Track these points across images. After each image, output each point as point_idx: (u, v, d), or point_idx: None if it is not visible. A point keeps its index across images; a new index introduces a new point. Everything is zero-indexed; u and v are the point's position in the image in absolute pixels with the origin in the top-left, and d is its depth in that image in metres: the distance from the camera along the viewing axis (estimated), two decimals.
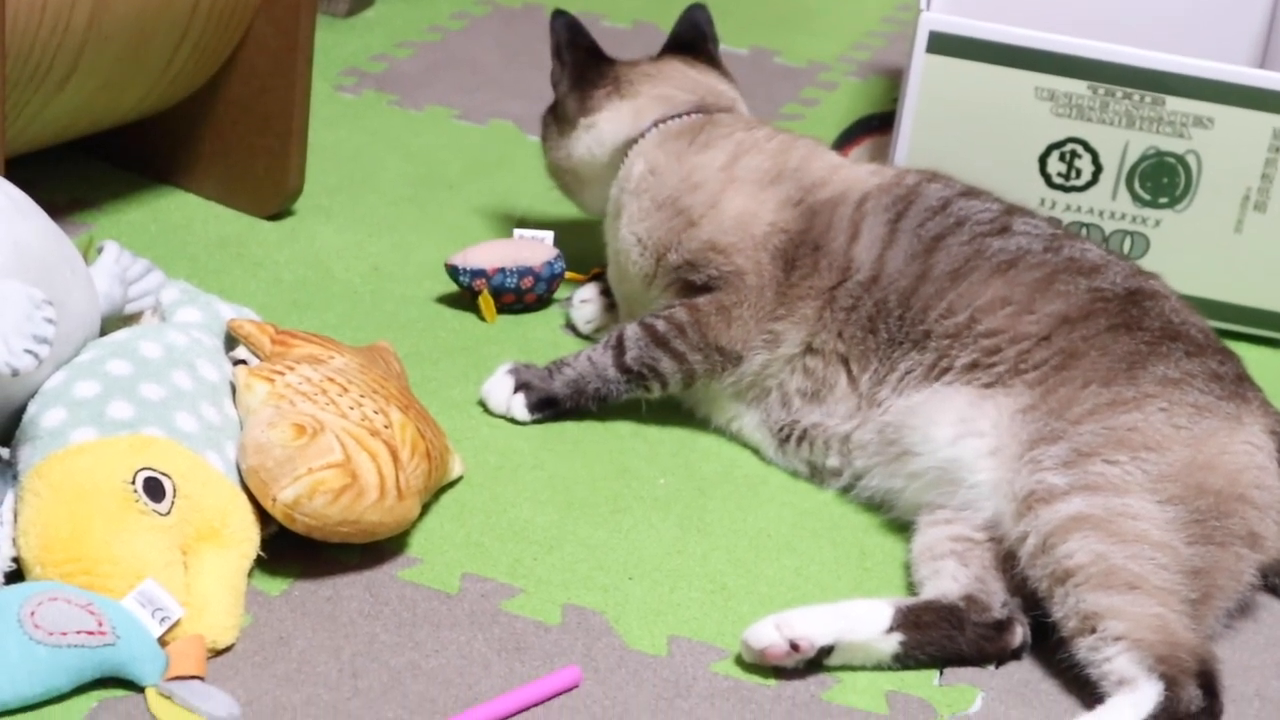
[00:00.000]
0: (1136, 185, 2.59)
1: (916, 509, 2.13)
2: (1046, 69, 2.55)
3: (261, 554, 1.95)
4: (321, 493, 1.92)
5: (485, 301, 2.47)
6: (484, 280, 2.47)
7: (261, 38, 2.56)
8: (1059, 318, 2.12)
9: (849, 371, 2.22)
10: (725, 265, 2.26)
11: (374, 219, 2.70)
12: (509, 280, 2.47)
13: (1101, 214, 2.62)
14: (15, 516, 1.88)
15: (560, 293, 2.54)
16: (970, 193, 2.29)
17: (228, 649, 1.87)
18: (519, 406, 2.28)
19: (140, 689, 1.80)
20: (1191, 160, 2.57)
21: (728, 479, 2.24)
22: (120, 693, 1.80)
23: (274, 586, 1.97)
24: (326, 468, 1.93)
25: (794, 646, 1.92)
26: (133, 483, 1.87)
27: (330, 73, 3.11)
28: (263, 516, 1.95)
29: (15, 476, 1.92)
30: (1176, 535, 1.95)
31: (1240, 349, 2.22)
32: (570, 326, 2.50)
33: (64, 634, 1.76)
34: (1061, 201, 2.62)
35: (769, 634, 1.92)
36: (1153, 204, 2.60)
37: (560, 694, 1.88)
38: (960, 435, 2.08)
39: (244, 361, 2.09)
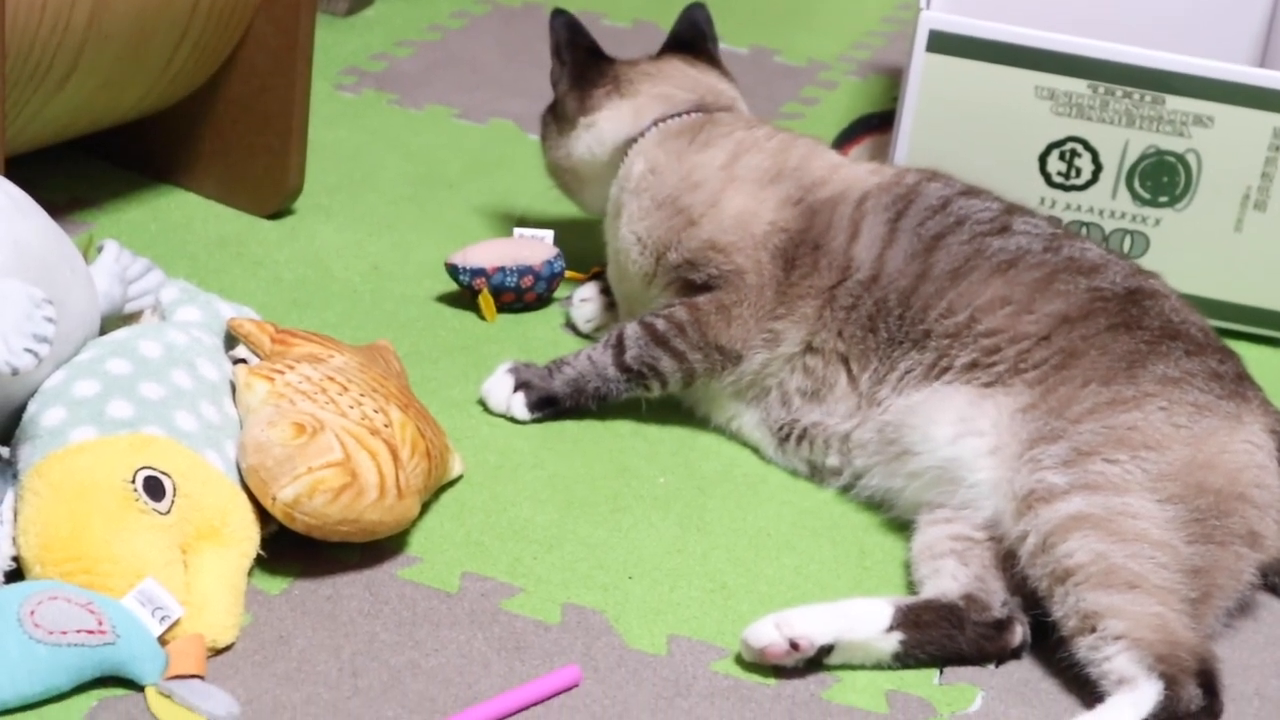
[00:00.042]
0: (1136, 184, 2.59)
1: (916, 508, 2.13)
2: (1046, 68, 2.55)
3: (261, 553, 1.95)
4: (321, 492, 1.92)
5: (485, 300, 2.47)
6: (484, 279, 2.47)
7: (261, 37, 2.56)
8: (1059, 317, 2.12)
9: (849, 371, 2.22)
10: (725, 264, 2.26)
11: (374, 218, 2.70)
12: (509, 279, 2.47)
13: (1101, 213, 2.62)
14: (15, 515, 1.88)
15: (560, 292, 2.54)
16: (970, 192, 2.29)
17: (228, 648, 1.87)
18: (519, 405, 2.28)
19: (140, 688, 1.80)
20: (1191, 159, 2.57)
21: (727, 478, 2.24)
22: (120, 692, 1.80)
23: (274, 585, 1.97)
24: (326, 467, 1.93)
25: (794, 645, 1.92)
26: (133, 482, 1.87)
27: (330, 72, 3.11)
28: (263, 515, 1.95)
29: (15, 475, 1.92)
30: (1176, 534, 1.95)
31: (1240, 348, 2.22)
32: (570, 325, 2.50)
33: (64, 633, 1.76)
34: (1061, 200, 2.62)
35: (769, 633, 1.92)
36: (1153, 203, 2.60)
37: (560, 693, 1.88)
38: (960, 434, 2.08)
39: (244, 360, 2.09)
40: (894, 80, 3.26)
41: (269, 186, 2.63)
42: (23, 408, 1.95)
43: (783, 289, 2.25)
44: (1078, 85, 2.55)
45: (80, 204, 2.62)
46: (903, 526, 2.16)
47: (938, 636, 1.97)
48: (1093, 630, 1.90)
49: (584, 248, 2.57)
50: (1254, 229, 2.59)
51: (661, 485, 2.21)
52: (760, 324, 2.25)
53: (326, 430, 1.95)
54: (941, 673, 1.98)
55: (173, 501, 1.88)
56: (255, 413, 1.99)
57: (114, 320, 2.13)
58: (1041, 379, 2.08)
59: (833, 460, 2.22)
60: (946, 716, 1.92)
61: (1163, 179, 2.59)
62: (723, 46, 2.62)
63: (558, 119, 2.52)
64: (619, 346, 2.27)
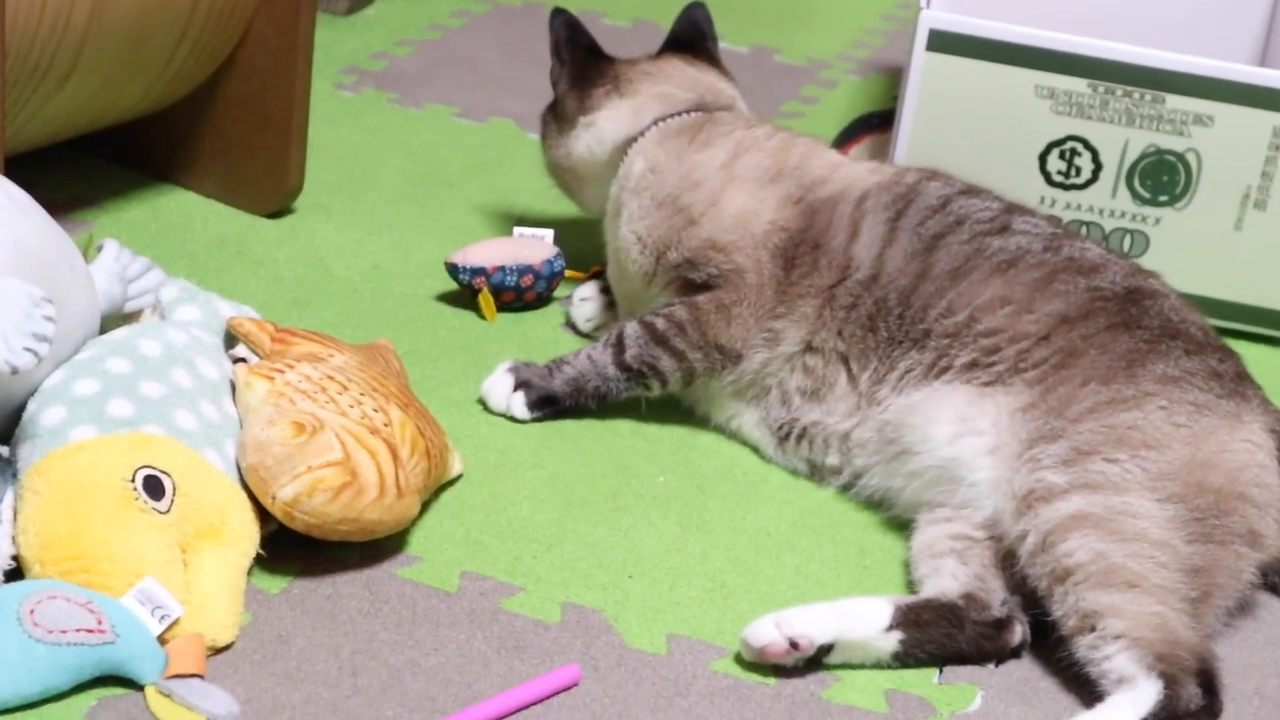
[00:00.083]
0: (1136, 183, 2.59)
1: (916, 507, 2.13)
2: (1046, 67, 2.55)
3: (261, 552, 1.95)
4: (321, 491, 1.92)
5: (485, 299, 2.47)
6: (484, 278, 2.47)
7: (261, 36, 2.56)
8: (1058, 317, 2.12)
9: (849, 370, 2.22)
10: (725, 263, 2.26)
11: (374, 217, 2.70)
12: (509, 278, 2.47)
13: (1101, 212, 2.62)
14: (15, 514, 1.88)
15: (560, 291, 2.54)
16: (970, 191, 2.29)
17: (227, 647, 1.87)
18: (518, 404, 2.28)
19: (140, 687, 1.80)
20: (1191, 158, 2.57)
21: (727, 477, 2.24)
22: (120, 691, 1.80)
23: (273, 585, 1.97)
24: (326, 466, 1.93)
25: (793, 645, 1.92)
26: (132, 481, 1.87)
27: (330, 71, 3.11)
28: (262, 514, 1.95)
29: (15, 474, 1.92)
30: (1176, 533, 1.95)
31: (1240, 347, 2.22)
32: (570, 325, 2.50)
33: (63, 632, 1.76)
34: (1061, 199, 2.62)
35: (768, 632, 1.92)
36: (1153, 202, 2.60)
37: (559, 692, 1.88)
38: (959, 434, 2.08)
39: (244, 359, 2.09)
40: (894, 79, 3.25)
41: (269, 185, 2.63)
42: (22, 407, 1.95)
43: (783, 288, 2.25)
44: (1078, 84, 2.55)
45: (80, 203, 2.62)
46: (902, 525, 2.16)
47: (937, 636, 1.97)
48: (1092, 629, 1.90)
49: (584, 247, 2.57)
50: (1254, 228, 2.59)
51: (661, 484, 2.21)
52: (760, 323, 2.25)
53: (326, 429, 1.95)
54: (941, 672, 1.98)
55: (172, 500, 1.88)
56: (255, 412, 1.99)
57: (114, 319, 2.13)
58: (1041, 378, 2.08)
59: (832, 459, 2.22)
60: (946, 716, 1.92)
61: (1163, 178, 2.59)
62: (723, 45, 2.62)
63: (557, 118, 2.52)
64: (619, 346, 2.27)
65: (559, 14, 2.53)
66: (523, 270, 2.48)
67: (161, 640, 1.81)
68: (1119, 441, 2.00)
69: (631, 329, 2.27)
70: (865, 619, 1.95)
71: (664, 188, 2.33)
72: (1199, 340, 2.12)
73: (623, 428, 2.30)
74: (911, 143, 2.60)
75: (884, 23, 3.58)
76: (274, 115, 2.58)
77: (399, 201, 2.75)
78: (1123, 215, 2.61)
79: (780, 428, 2.26)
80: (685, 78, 2.48)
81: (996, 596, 2.00)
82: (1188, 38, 2.98)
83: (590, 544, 2.10)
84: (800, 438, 2.25)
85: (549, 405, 2.29)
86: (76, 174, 2.68)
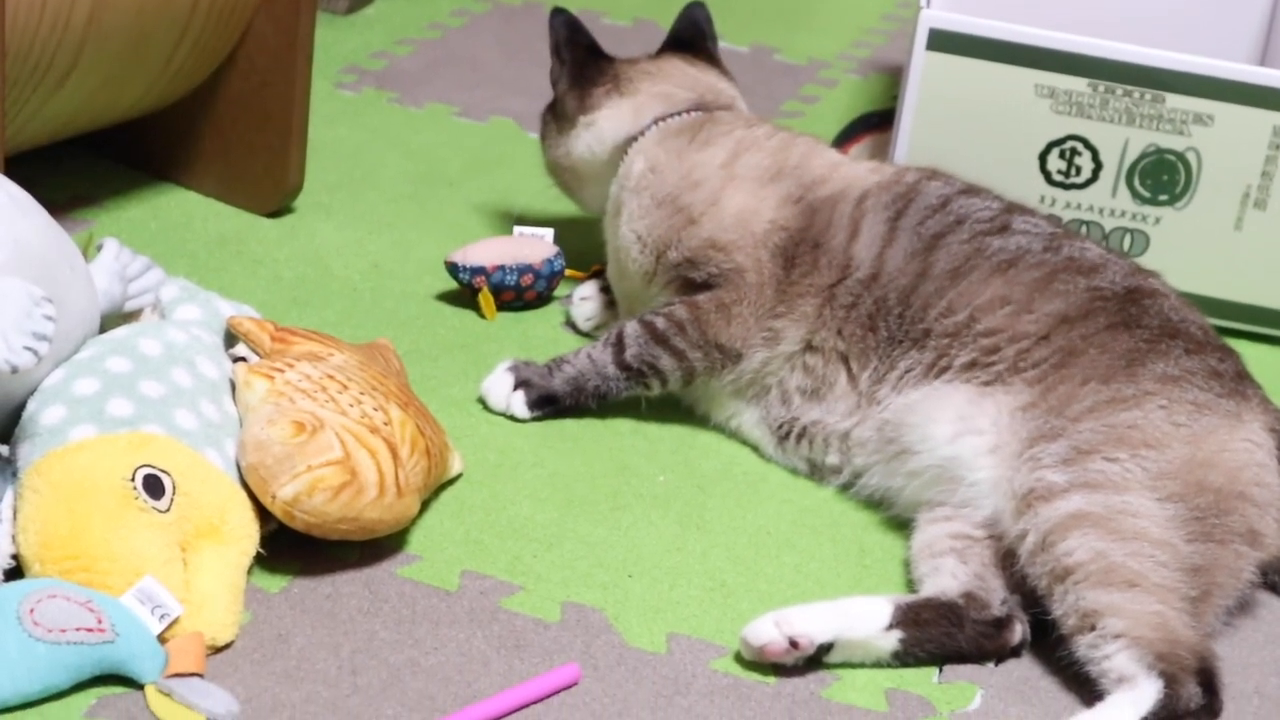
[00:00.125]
0: (1136, 183, 2.59)
1: (916, 506, 2.13)
2: (1046, 66, 2.55)
3: (261, 551, 1.95)
4: (321, 490, 1.92)
5: (485, 299, 2.47)
6: (484, 277, 2.47)
7: (261, 35, 2.56)
8: (1058, 317, 2.12)
9: (849, 369, 2.22)
10: (725, 263, 2.26)
11: (374, 216, 2.70)
12: (509, 278, 2.47)
13: (1101, 211, 2.62)
14: (14, 514, 1.88)
15: (560, 290, 2.54)
16: (970, 190, 2.29)
17: (227, 646, 1.87)
18: (518, 404, 2.28)
19: (139, 686, 1.80)
20: (1191, 158, 2.57)
21: (727, 476, 2.24)
22: (119, 690, 1.80)
23: (273, 584, 1.97)
24: (326, 465, 1.93)
25: (793, 644, 1.92)
26: (132, 480, 1.87)
27: (330, 70, 3.11)
28: (262, 514, 1.95)
29: (14, 474, 1.92)
30: (1176, 533, 1.95)
31: (1240, 346, 2.22)
32: (570, 324, 2.50)
33: (63, 631, 1.76)
34: (1061, 199, 2.62)
35: (768, 631, 1.92)
36: (1153, 201, 2.60)
37: (559, 691, 1.88)
38: (959, 433, 2.08)
39: (244, 359, 2.09)
40: (894, 78, 3.25)
41: (269, 184, 2.63)
42: (22, 406, 1.95)
43: (783, 287, 2.25)
44: (1078, 84, 2.55)
45: (80, 202, 2.62)
46: (902, 525, 2.16)
47: (937, 635, 1.97)
48: (1092, 628, 1.90)
49: (584, 246, 2.57)
50: (1254, 227, 2.59)
51: (661, 483, 2.21)
52: (760, 322, 2.25)
53: (326, 428, 1.95)
54: (941, 671, 1.98)
55: (172, 500, 1.88)
56: (255, 411, 1.99)
57: (114, 318, 2.13)
58: (1041, 377, 2.08)
59: (832, 458, 2.22)
60: (946, 715, 1.92)
61: (1163, 177, 2.58)
62: (723, 45, 2.62)
63: (557, 118, 2.52)
64: (619, 345, 2.27)
65: (559, 13, 2.53)
66: (523, 269, 2.48)
67: (161, 639, 1.81)
68: (1119, 440, 2.00)
69: (631, 328, 2.27)
70: (865, 618, 1.95)
71: (664, 187, 2.33)
72: (1199, 339, 2.12)
73: (623, 427, 2.30)
74: (911, 142, 2.60)
75: (884, 22, 3.58)
76: (274, 114, 2.58)
77: (399, 201, 2.75)
78: (1123, 215, 2.61)
79: (780, 427, 2.26)
80: (685, 77, 2.48)
81: (996, 595, 2.00)
82: (1188, 37, 2.98)
83: (590, 543, 2.10)
84: (800, 437, 2.25)
85: (549, 404, 2.29)
86: (77, 173, 2.68)
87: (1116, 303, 2.13)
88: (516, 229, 2.57)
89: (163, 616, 1.81)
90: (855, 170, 2.34)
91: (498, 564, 2.04)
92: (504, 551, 2.06)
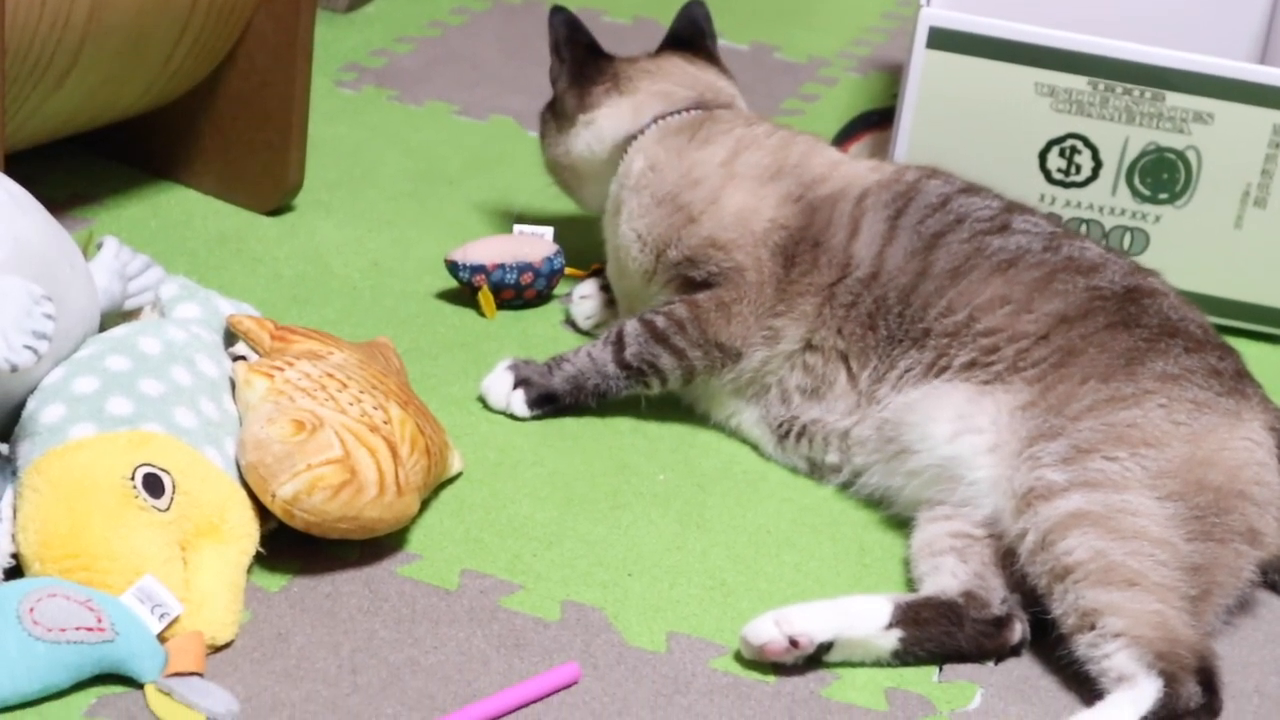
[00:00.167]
0: (1136, 181, 2.59)
1: (916, 505, 2.13)
2: (1046, 64, 2.55)
3: (261, 550, 1.95)
4: (320, 489, 1.92)
5: (485, 297, 2.47)
6: (484, 276, 2.47)
7: (261, 33, 2.56)
8: (1057, 316, 2.12)
9: (849, 368, 2.22)
10: (725, 261, 2.26)
11: (374, 214, 2.70)
12: (509, 276, 2.47)
13: (1101, 210, 2.62)
14: (14, 512, 1.88)
15: (560, 289, 2.54)
16: (970, 189, 2.29)
17: (227, 645, 1.87)
18: (518, 402, 2.28)
19: (139, 685, 1.80)
20: (1191, 156, 2.57)
21: (727, 475, 2.24)
22: (119, 689, 1.80)
23: (273, 583, 1.97)
24: (326, 464, 1.93)
25: (793, 643, 1.92)
26: (132, 479, 1.87)
27: (330, 68, 3.10)
28: (262, 512, 1.95)
29: (14, 472, 1.92)
30: (1176, 532, 1.95)
31: (1240, 345, 2.22)
32: (570, 322, 2.50)
33: (63, 630, 1.76)
34: (1061, 197, 2.62)
35: (768, 630, 1.92)
36: (1152, 200, 2.60)
37: (559, 690, 1.88)
38: (959, 432, 2.08)
39: (243, 357, 2.10)
40: (894, 77, 3.25)
41: (269, 183, 2.63)
42: (22, 404, 1.95)
43: (783, 286, 2.25)
44: (1078, 82, 2.55)
45: (80, 200, 2.62)
46: (902, 524, 2.16)
47: (937, 634, 1.97)
48: (1092, 628, 1.90)
49: (584, 245, 2.57)
50: (1254, 226, 2.59)
51: (661, 482, 2.21)
52: (760, 321, 2.25)
53: (326, 427, 1.95)
54: (941, 670, 1.98)
55: (172, 499, 1.88)
56: (255, 409, 1.99)
57: (113, 317, 2.13)
58: (1040, 376, 2.08)
59: (832, 457, 2.22)
60: (946, 714, 1.92)
61: (1163, 176, 2.58)
62: (723, 43, 2.62)
63: (557, 116, 2.52)
64: (619, 344, 2.27)
65: (559, 12, 2.53)
66: (522, 268, 2.48)
67: (161, 638, 1.81)
68: (1118, 439, 2.00)
69: (631, 327, 2.27)
70: (865, 617, 1.95)
71: (664, 185, 2.33)
72: (1198, 338, 2.12)
73: (622, 425, 2.30)
74: (911, 140, 2.60)
75: (884, 20, 3.58)
76: (274, 112, 2.58)
77: (399, 199, 2.75)
78: (1123, 213, 2.61)
79: (780, 425, 2.26)
80: (685, 75, 2.48)
81: (996, 594, 2.00)
82: (1188, 35, 2.98)
83: (590, 542, 2.10)
84: (800, 435, 2.25)
85: (549, 403, 2.28)
86: (76, 171, 2.68)
87: (1116, 302, 2.13)
88: (516, 227, 2.57)
89: (162, 615, 1.81)
90: (855, 169, 2.34)
91: (497, 563, 2.04)
92: (504, 550, 2.06)
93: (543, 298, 2.53)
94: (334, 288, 2.51)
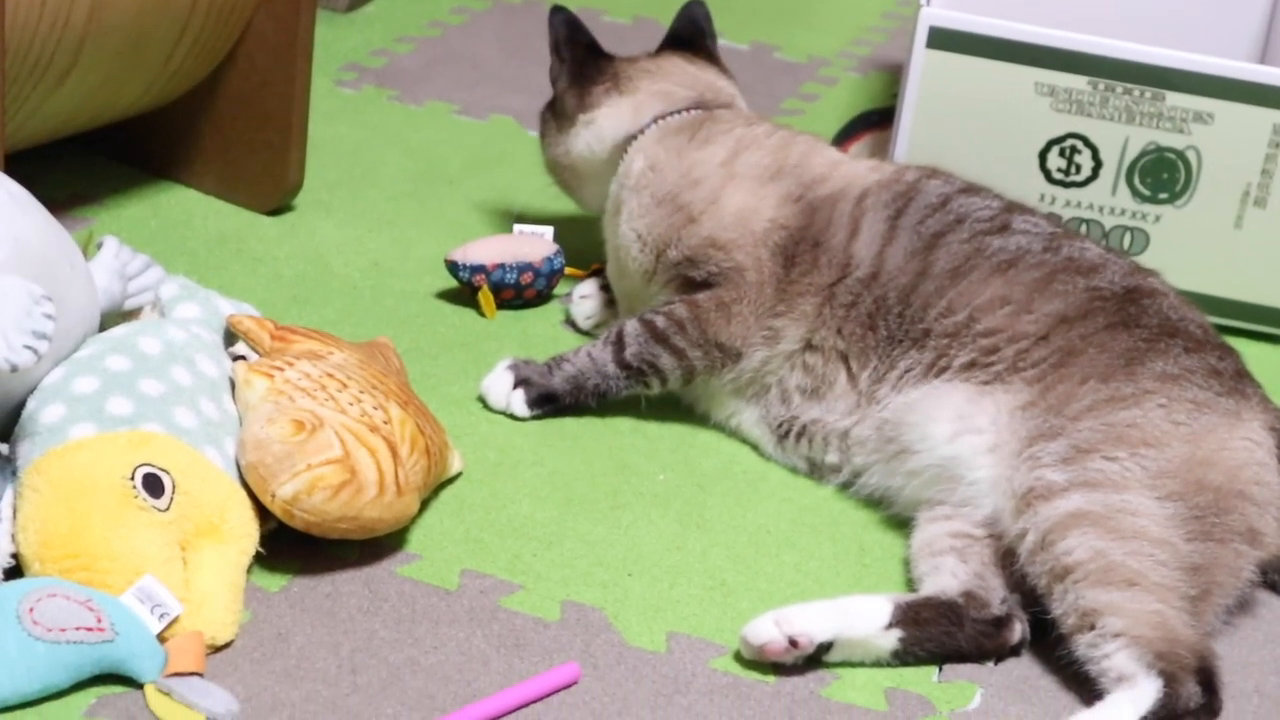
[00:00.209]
0: (1136, 181, 2.59)
1: (916, 505, 2.13)
2: (1046, 64, 2.55)
3: (260, 550, 1.95)
4: (320, 489, 1.92)
5: (485, 297, 2.47)
6: (484, 276, 2.47)
7: (261, 33, 2.56)
8: (1057, 317, 2.12)
9: (848, 369, 2.22)
10: (725, 261, 2.26)
11: (374, 214, 2.70)
12: (509, 276, 2.47)
13: (1101, 210, 2.62)
14: (14, 512, 1.88)
15: (560, 288, 2.54)
16: (970, 189, 2.29)
17: (227, 645, 1.87)
18: (518, 402, 2.28)
19: (139, 685, 1.80)
20: (1191, 156, 2.57)
21: (727, 475, 2.24)
22: (119, 689, 1.80)
23: (273, 583, 1.97)
24: (325, 464, 1.93)
25: (793, 643, 1.92)
26: (132, 479, 1.87)
27: (330, 68, 3.10)
28: (262, 512, 1.95)
29: (14, 472, 1.92)
30: (1176, 531, 1.95)
31: (1240, 345, 2.22)
32: (570, 322, 2.50)
33: (63, 630, 1.76)
34: (1061, 197, 2.61)
35: (768, 630, 1.92)
36: (1152, 200, 2.60)
37: (559, 690, 1.88)
38: (959, 432, 2.08)
39: (243, 357, 2.10)
40: (894, 76, 3.25)
41: (269, 182, 2.63)
42: (22, 404, 1.95)
43: (783, 286, 2.25)
44: (1078, 82, 2.55)
45: (80, 200, 2.62)
46: (902, 524, 2.16)
47: (937, 634, 1.97)
48: (1092, 628, 1.90)
49: (583, 244, 2.57)
50: (1254, 226, 2.59)
51: (661, 482, 2.21)
52: (760, 321, 2.25)
53: (326, 427, 1.95)
54: (941, 670, 1.98)
55: (172, 499, 1.88)
56: (254, 409, 1.99)
57: (113, 317, 2.13)
58: (1040, 377, 2.08)
59: (832, 457, 2.22)
60: (946, 714, 1.92)
61: (1163, 175, 2.58)
62: (723, 43, 2.62)
63: (557, 116, 2.52)
64: (619, 343, 2.27)
65: (558, 11, 2.53)
66: (522, 268, 2.48)
67: (161, 638, 1.81)
68: (1118, 439, 1.99)
69: (631, 327, 2.27)
70: (865, 617, 1.95)
71: (664, 185, 2.33)
72: (1198, 338, 2.12)
73: (622, 425, 2.30)
74: (911, 140, 2.60)
75: (884, 20, 3.58)
76: (274, 112, 2.58)
77: (399, 199, 2.75)
78: (1123, 213, 2.61)
79: (780, 425, 2.26)
80: (685, 75, 2.48)
81: (996, 594, 2.00)
82: (1188, 35, 2.98)
83: (590, 542, 2.10)
84: (800, 435, 2.25)
85: (549, 403, 2.28)
86: (76, 171, 2.68)
87: (1115, 302, 2.13)
88: (516, 227, 2.57)
89: (162, 615, 1.81)
90: (855, 168, 2.34)
91: (497, 563, 2.04)
92: (504, 550, 2.06)
93: (543, 298, 2.53)
94: (334, 288, 2.51)
